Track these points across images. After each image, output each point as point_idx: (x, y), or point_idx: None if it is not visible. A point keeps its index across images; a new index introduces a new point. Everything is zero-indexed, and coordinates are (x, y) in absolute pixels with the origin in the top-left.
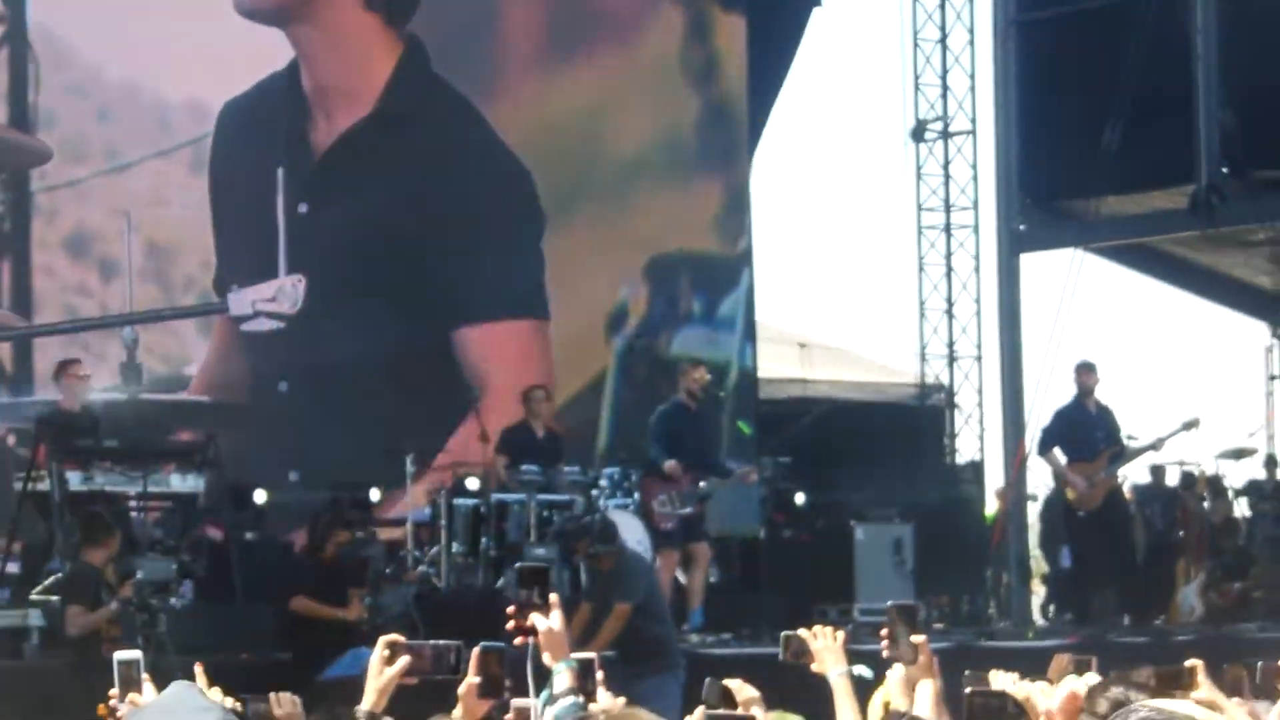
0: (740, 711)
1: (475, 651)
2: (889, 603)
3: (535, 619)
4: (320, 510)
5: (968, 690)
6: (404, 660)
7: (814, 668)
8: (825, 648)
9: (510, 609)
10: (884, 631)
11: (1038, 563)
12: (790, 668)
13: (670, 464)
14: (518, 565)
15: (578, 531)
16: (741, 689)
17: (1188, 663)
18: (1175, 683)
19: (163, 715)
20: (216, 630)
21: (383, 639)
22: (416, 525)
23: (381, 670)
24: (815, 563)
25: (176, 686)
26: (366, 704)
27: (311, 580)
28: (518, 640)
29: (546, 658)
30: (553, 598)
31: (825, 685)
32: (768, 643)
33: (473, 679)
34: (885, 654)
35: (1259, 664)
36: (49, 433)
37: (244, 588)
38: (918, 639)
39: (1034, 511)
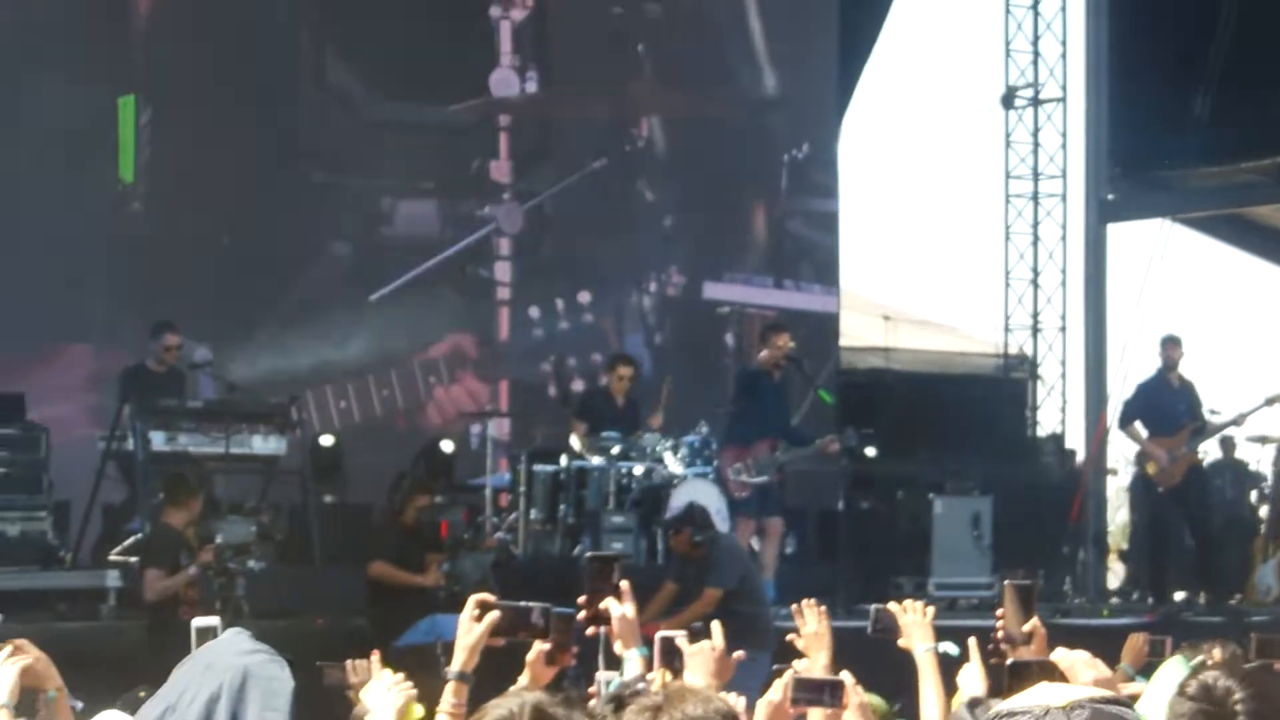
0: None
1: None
2: (1005, 581)
3: (609, 604)
4: (401, 473)
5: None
6: (493, 615)
7: (900, 643)
8: (914, 623)
9: (581, 599)
10: (999, 611)
11: (1115, 539)
12: (874, 641)
13: None
14: (588, 555)
15: (678, 522)
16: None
17: None
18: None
19: (209, 654)
20: (294, 594)
21: (473, 598)
22: (495, 491)
23: (470, 628)
24: (893, 535)
25: (230, 632)
26: (456, 664)
27: (391, 545)
28: (589, 630)
29: (618, 645)
30: (624, 585)
31: (909, 661)
32: (843, 616)
33: (542, 645)
34: (999, 633)
35: None
36: (133, 392)
37: (322, 552)
38: (1031, 621)
39: (1113, 486)
